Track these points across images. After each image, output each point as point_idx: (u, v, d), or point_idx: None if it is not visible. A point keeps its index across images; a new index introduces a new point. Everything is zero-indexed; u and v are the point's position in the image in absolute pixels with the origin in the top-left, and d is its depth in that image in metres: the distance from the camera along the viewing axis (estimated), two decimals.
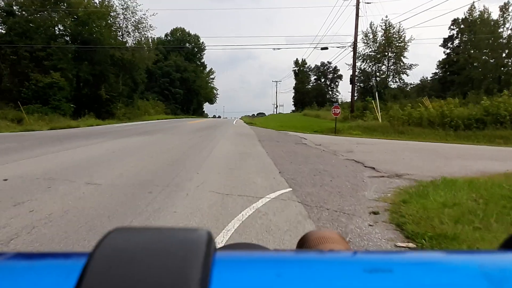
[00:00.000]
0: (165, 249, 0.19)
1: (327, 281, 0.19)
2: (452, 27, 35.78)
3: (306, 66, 75.08)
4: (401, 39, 34.81)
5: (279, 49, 45.22)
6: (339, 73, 71.96)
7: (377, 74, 38.32)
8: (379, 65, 37.54)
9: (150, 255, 0.19)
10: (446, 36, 36.77)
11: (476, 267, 0.20)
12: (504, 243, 0.26)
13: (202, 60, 66.19)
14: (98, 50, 24.48)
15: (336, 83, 73.71)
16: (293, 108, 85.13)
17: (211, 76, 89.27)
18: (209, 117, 77.97)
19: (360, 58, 35.73)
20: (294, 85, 76.53)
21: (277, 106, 72.28)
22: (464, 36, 33.86)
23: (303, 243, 0.42)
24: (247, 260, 0.23)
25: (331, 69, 73.09)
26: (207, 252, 0.19)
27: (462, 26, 34.02)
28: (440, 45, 37.40)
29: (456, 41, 35.87)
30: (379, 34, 35.89)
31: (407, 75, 44.26)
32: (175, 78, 51.73)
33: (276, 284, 0.19)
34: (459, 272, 0.20)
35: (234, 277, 0.20)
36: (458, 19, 34.77)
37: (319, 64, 74.22)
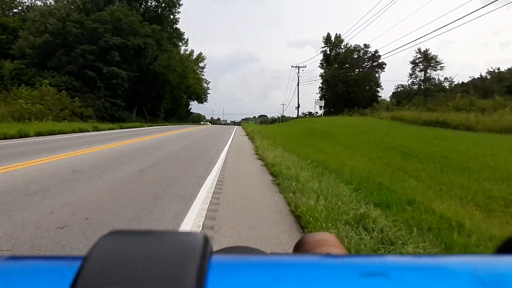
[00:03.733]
0: (160, 253, 0.19)
1: (324, 285, 0.19)
2: None
3: (345, 45, 49.48)
4: None
5: None
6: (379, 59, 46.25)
7: None
8: None
9: (145, 259, 0.19)
10: None
11: (471, 271, 0.21)
12: (500, 248, 0.27)
13: (177, 26, 40.15)
14: None
15: (377, 74, 47.70)
16: (313, 109, 59.23)
17: (200, 65, 64.11)
18: (199, 124, 53.52)
19: None
20: (323, 72, 50.82)
21: (298, 105, 46.42)
22: None
23: (300, 246, 0.42)
24: (243, 264, 0.23)
25: (368, 53, 47.53)
26: (202, 255, 0.19)
27: None
28: None
29: None
30: None
31: None
32: (112, 45, 25.58)
33: None
34: (454, 276, 0.20)
35: (230, 281, 0.20)
36: None
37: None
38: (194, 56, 60.84)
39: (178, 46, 41.57)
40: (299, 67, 45.64)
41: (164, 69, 30.46)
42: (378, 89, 46.54)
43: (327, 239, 0.42)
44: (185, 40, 50.70)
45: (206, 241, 0.21)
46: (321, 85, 55.22)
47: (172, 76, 32.55)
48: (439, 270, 0.21)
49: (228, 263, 0.22)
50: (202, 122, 65.38)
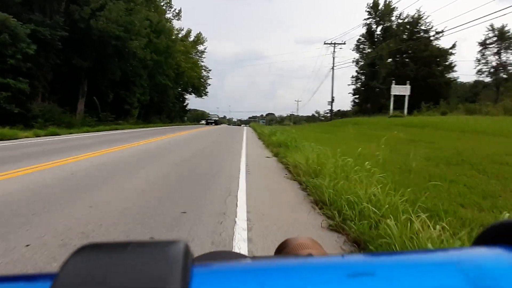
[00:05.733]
0: (138, 267, 0.18)
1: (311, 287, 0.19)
2: None
3: (397, 16, 35.52)
4: None
5: None
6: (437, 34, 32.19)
7: None
8: None
9: (122, 275, 0.17)
10: None
11: (454, 264, 0.21)
12: (476, 239, 0.27)
13: None
14: None
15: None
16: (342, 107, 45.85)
17: (200, 48, 50.45)
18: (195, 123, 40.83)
19: None
20: (361, 56, 36.97)
21: (332, 99, 32.60)
22: None
23: (282, 249, 0.42)
24: (227, 271, 0.22)
25: (422, 26, 33.53)
26: (184, 266, 0.18)
27: None
28: None
29: None
30: None
31: None
32: None
33: None
34: (438, 270, 0.21)
35: None
36: None
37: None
38: (192, 38, 47.35)
39: (157, 8, 27.99)
40: (334, 44, 31.94)
41: (119, 30, 16.97)
42: (448, 75, 32.52)
43: (308, 243, 0.41)
44: (173, 8, 37.46)
45: (187, 249, 0.20)
46: (358, 73, 41.39)
47: (137, 45, 19.00)
48: (424, 266, 0.22)
49: (211, 271, 0.21)
50: (202, 121, 51.50)
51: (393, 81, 25.20)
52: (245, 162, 6.01)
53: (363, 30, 41.52)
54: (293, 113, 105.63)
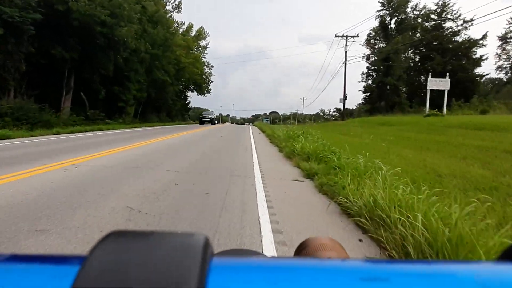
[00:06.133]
0: (161, 256, 0.19)
1: None
2: None
3: (413, 7, 32.85)
4: None
5: None
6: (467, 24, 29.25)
7: None
8: None
9: (146, 262, 0.19)
10: None
11: (472, 278, 0.20)
12: (502, 255, 0.26)
13: None
14: None
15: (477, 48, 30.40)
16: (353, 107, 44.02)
17: (202, 43, 48.03)
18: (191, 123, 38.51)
19: None
20: (372, 52, 34.34)
21: (345, 97, 29.96)
22: None
23: (302, 249, 0.42)
24: (244, 266, 0.23)
25: (448, 14, 30.71)
26: (203, 257, 0.19)
27: None
28: None
29: None
30: None
31: None
32: None
33: None
34: (455, 282, 0.20)
35: (230, 283, 0.20)
36: None
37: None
38: (193, 33, 44.99)
39: None
40: (347, 36, 29.32)
41: (104, 14, 14.59)
42: (476, 70, 29.75)
43: (328, 244, 0.41)
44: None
45: (207, 242, 0.21)
46: (369, 69, 38.85)
47: (127, 32, 16.58)
48: (440, 277, 0.21)
49: (229, 266, 0.22)
50: (203, 118, 48.71)
51: (430, 73, 22.49)
52: (265, 201, 3.39)
53: (373, 24, 38.96)
54: (298, 111, 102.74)
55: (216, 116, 49.47)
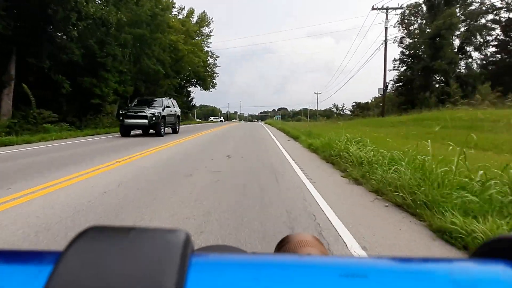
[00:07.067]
0: (140, 252, 0.19)
1: (304, 285, 0.20)
2: None
3: None
4: None
5: None
6: None
7: None
8: None
9: (124, 258, 0.18)
10: None
11: (447, 274, 0.21)
12: (475, 252, 0.27)
13: None
14: None
15: None
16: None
17: (205, 31, 41.78)
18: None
19: None
20: (407, 33, 27.75)
21: (386, 86, 23.50)
22: None
23: (283, 246, 0.43)
24: (224, 263, 0.23)
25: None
26: (183, 254, 0.19)
27: None
28: None
29: None
30: None
31: None
32: None
33: None
34: (430, 279, 0.21)
35: (210, 280, 0.20)
36: None
37: None
38: (195, 19, 38.84)
39: None
40: (387, 9, 22.87)
41: None
42: None
43: (309, 240, 0.42)
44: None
45: (188, 239, 0.21)
46: (404, 54, 32.34)
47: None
48: (416, 273, 0.22)
49: (209, 262, 0.22)
50: (211, 119, 42.63)
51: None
52: None
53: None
54: (309, 107, 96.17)
55: (224, 114, 44.80)
